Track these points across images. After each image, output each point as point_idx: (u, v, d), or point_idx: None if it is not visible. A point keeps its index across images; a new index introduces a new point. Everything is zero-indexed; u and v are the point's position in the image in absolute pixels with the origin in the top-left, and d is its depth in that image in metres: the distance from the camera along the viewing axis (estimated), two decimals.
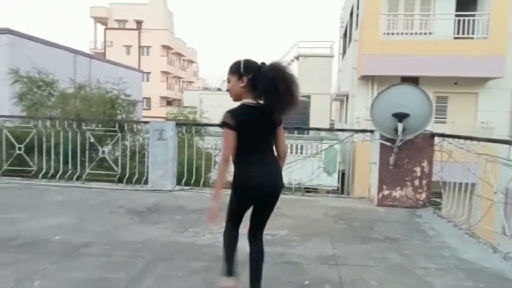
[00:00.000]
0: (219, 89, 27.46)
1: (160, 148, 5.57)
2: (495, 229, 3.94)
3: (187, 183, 5.85)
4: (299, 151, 13.55)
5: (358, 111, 13.54)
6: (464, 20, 11.93)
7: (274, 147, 2.36)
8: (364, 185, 8.91)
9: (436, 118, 11.34)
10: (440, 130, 5.46)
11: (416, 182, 4.96)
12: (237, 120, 2.17)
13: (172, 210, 4.61)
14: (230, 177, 2.33)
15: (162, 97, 41.06)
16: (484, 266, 3.10)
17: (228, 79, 2.29)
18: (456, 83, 12.43)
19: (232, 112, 2.19)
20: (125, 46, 39.24)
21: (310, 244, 3.51)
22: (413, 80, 11.54)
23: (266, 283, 2.47)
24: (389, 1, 12.98)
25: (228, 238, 2.43)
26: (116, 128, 6.25)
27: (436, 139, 4.89)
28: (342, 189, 12.12)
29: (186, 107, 20.10)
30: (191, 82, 50.58)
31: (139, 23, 41.55)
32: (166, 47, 41.42)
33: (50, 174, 5.94)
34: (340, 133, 13.96)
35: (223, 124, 2.19)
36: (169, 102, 41.51)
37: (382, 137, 4.92)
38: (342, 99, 18.32)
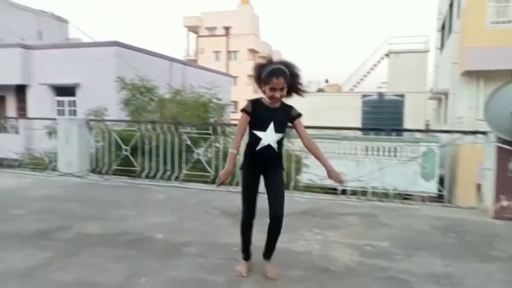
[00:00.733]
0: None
1: None
2: None
3: None
4: (392, 153, 12.75)
5: (460, 111, 12.29)
6: None
7: None
8: (468, 193, 8.01)
9: None
10: None
11: None
12: None
13: (264, 213, 4.54)
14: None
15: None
16: None
17: (283, 88, 2.53)
18: None
19: None
20: (214, 52, 41.17)
21: (417, 259, 3.18)
22: None
23: None
24: None
25: None
26: (210, 131, 6.47)
27: None
28: (440, 196, 11.08)
29: None
30: None
31: (227, 29, 43.23)
32: (252, 51, 42.44)
33: (152, 174, 6.37)
34: (439, 134, 12.84)
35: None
36: None
37: (499, 139, 4.31)
38: (440, 97, 16.84)
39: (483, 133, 4.73)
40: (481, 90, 12.12)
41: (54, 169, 6.83)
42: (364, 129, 12.16)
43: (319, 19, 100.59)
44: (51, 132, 7.97)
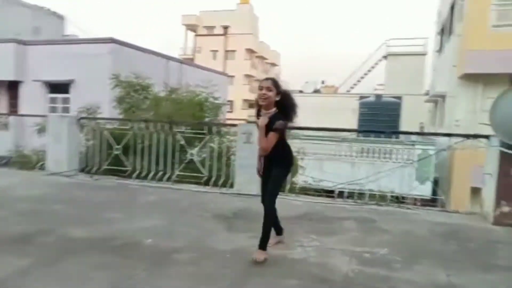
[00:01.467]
0: (300, 91, 27.11)
1: (247, 151, 5.44)
2: None
3: None
4: (388, 155, 12.63)
5: (458, 114, 12.19)
6: None
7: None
8: (463, 196, 7.89)
9: None
10: None
11: None
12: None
13: (259, 216, 4.38)
14: None
15: (245, 100, 41.97)
16: None
17: (269, 88, 3.06)
18: None
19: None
20: (211, 51, 40.95)
21: (418, 268, 3.03)
22: None
23: None
24: None
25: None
26: (205, 131, 6.30)
27: None
28: (434, 199, 10.98)
29: None
30: None
31: (225, 28, 43.04)
32: (250, 51, 42.29)
33: (143, 174, 6.18)
34: (435, 137, 12.72)
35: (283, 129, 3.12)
36: (251, 104, 42.24)
37: (503, 144, 4.18)
38: (437, 100, 16.76)
39: (486, 137, 4.60)
40: (480, 94, 12.03)
41: (42, 168, 6.63)
42: (364, 131, 11.97)
43: (317, 20, 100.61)
44: (41, 130, 7.77)
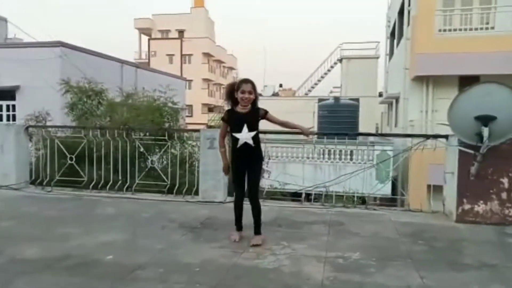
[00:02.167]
0: (260, 95, 27.20)
1: (211, 157, 5.26)
2: None
3: None
4: (349, 156, 12.92)
5: (411, 114, 12.71)
6: None
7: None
8: (420, 195, 8.17)
9: None
10: None
11: (504, 195, 4.30)
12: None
13: (227, 225, 4.22)
14: None
15: (204, 104, 41.56)
16: None
17: (250, 91, 3.43)
18: None
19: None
20: (167, 55, 40.20)
21: (391, 271, 3.01)
22: (473, 80, 10.61)
23: None
24: None
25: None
26: (166, 137, 6.05)
27: None
28: (393, 199, 11.33)
29: None
30: None
31: (181, 32, 42.45)
32: (207, 55, 41.96)
33: (100, 184, 5.82)
34: (393, 138, 13.18)
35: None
36: (210, 108, 41.94)
37: (461, 143, 4.31)
38: (391, 101, 17.41)
39: (445, 137, 4.74)
40: (430, 94, 12.63)
41: None
42: (328, 134, 11.98)
43: (272, 24, 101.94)
44: None
